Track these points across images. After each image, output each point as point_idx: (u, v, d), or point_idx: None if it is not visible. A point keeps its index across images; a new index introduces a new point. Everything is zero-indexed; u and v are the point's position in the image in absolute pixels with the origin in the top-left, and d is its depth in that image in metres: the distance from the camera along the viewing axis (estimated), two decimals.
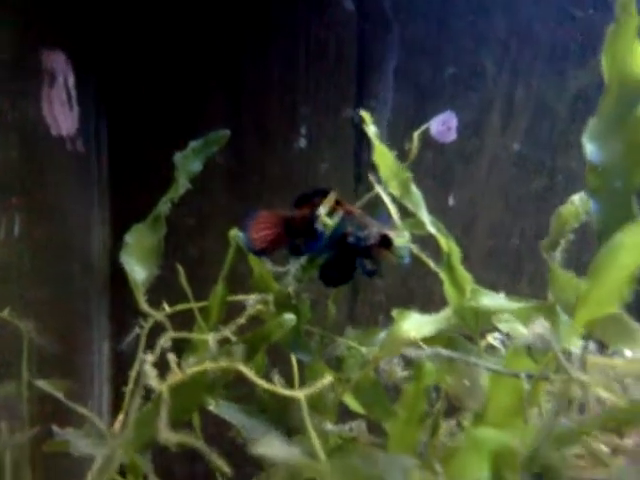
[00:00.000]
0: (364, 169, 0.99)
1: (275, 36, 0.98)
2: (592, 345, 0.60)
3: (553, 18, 0.94)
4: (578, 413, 0.49)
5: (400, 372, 0.68)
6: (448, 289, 0.59)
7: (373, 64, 0.97)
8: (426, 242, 0.64)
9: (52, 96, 0.84)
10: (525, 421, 0.47)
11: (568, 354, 0.57)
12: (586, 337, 0.58)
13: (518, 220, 1.00)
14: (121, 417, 0.77)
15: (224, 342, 0.64)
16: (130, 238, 0.75)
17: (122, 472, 0.71)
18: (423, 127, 0.73)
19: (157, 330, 0.70)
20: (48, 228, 0.88)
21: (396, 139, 0.93)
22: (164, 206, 0.75)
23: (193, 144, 0.77)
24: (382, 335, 0.71)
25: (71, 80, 0.89)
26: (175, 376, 0.58)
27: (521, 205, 0.99)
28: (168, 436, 0.55)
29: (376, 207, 0.70)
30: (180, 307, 0.76)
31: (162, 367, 0.60)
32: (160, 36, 1.00)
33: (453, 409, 0.65)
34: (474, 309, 0.58)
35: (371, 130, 0.56)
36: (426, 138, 0.75)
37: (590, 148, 0.48)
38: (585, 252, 0.65)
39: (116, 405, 1.05)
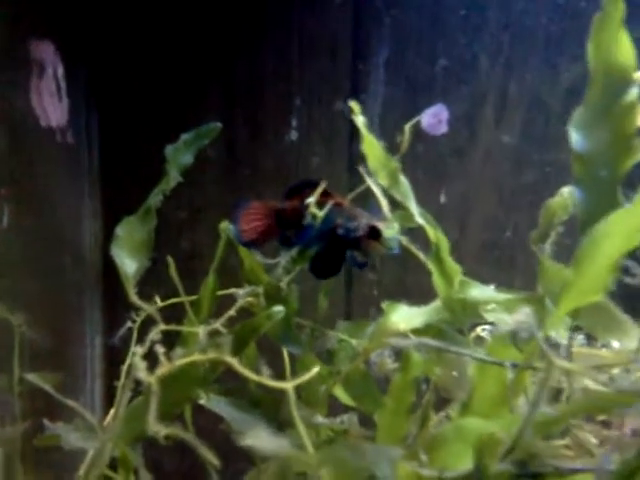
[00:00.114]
0: (357, 162, 0.99)
1: (268, 29, 0.98)
2: (581, 337, 0.60)
3: (546, 11, 0.94)
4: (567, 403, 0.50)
5: (391, 364, 0.68)
6: (437, 280, 0.59)
7: (365, 57, 0.97)
8: (419, 235, 0.64)
9: (41, 87, 0.83)
10: (510, 410, 0.47)
11: (556, 345, 0.58)
12: (575, 329, 0.58)
13: (512, 214, 1.00)
14: (113, 411, 0.77)
15: (215, 335, 0.64)
16: (121, 231, 0.75)
17: (113, 466, 0.71)
18: (414, 120, 0.73)
19: (150, 324, 0.70)
20: (38, 220, 0.87)
21: (387, 132, 0.93)
22: (155, 198, 0.75)
23: (184, 136, 0.77)
24: (372, 327, 0.71)
25: (60, 71, 0.88)
26: (164, 368, 0.58)
27: (515, 199, 0.99)
28: (158, 429, 0.55)
29: (368, 199, 0.70)
30: (171, 300, 0.76)
31: (154, 360, 0.60)
32: (152, 27, 0.99)
33: (445, 401, 0.65)
34: (462, 300, 0.58)
35: (360, 120, 0.56)
36: (419, 131, 0.75)
37: (576, 137, 0.47)
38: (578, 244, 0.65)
39: (109, 399, 1.05)
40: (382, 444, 0.59)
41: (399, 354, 0.64)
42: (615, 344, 0.58)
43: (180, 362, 0.58)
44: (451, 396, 0.60)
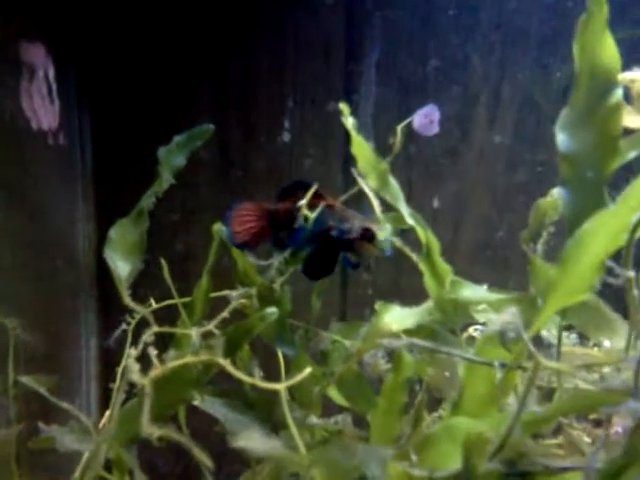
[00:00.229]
0: (352, 163, 0.99)
1: (261, 30, 0.98)
2: (574, 337, 0.60)
3: (538, 11, 0.94)
4: None
5: (384, 365, 0.68)
6: (428, 281, 0.59)
7: (358, 58, 0.97)
8: (412, 236, 0.64)
9: (32, 90, 0.83)
10: (500, 409, 0.48)
11: (549, 345, 0.58)
12: (567, 328, 0.58)
13: (505, 214, 1.00)
14: (108, 413, 0.77)
15: (209, 336, 0.64)
16: (114, 233, 0.75)
17: (108, 467, 0.71)
18: (406, 121, 0.73)
19: (145, 325, 0.70)
20: (31, 223, 0.87)
21: (380, 133, 0.93)
22: (147, 200, 0.75)
23: (177, 138, 0.77)
24: (365, 328, 0.71)
25: (51, 73, 0.88)
26: (157, 370, 0.58)
27: (508, 199, 1.00)
28: (151, 431, 0.55)
29: (362, 201, 0.70)
30: (165, 302, 0.77)
31: (149, 362, 0.60)
32: (144, 29, 0.99)
33: (439, 401, 0.66)
34: (454, 301, 0.59)
35: (349, 122, 0.56)
36: (411, 132, 0.75)
37: (562, 138, 0.48)
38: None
39: (104, 401, 1.05)
40: (375, 444, 0.59)
41: (392, 355, 0.64)
42: (607, 343, 0.58)
43: (173, 364, 0.58)
44: (443, 396, 0.60)
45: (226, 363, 0.55)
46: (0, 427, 0.79)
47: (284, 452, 0.52)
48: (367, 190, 0.64)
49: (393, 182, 0.59)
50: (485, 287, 0.64)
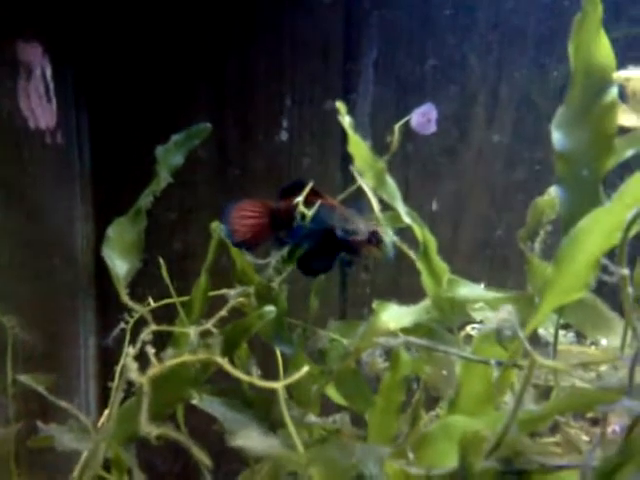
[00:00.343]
0: (350, 162, 0.99)
1: (259, 29, 0.98)
2: (572, 335, 0.60)
3: (536, 11, 0.94)
4: None
5: (381, 363, 0.68)
6: (426, 279, 0.59)
7: (356, 57, 0.98)
8: (410, 235, 0.64)
9: (29, 89, 0.83)
10: (496, 408, 0.48)
11: (545, 344, 0.58)
12: (564, 327, 0.58)
13: (504, 213, 1.00)
14: (107, 412, 0.77)
15: (207, 335, 0.64)
16: (112, 232, 0.75)
17: (107, 466, 0.71)
18: (404, 120, 0.74)
19: (143, 325, 0.70)
20: (29, 222, 0.87)
21: (378, 132, 0.93)
22: (145, 199, 0.76)
23: (175, 137, 0.77)
24: (363, 327, 0.71)
25: (49, 72, 0.88)
26: (154, 369, 0.58)
27: (506, 197, 1.00)
28: (150, 429, 0.55)
29: (360, 199, 0.70)
30: (163, 301, 0.77)
31: (147, 361, 0.60)
32: (142, 28, 0.99)
33: (436, 400, 0.66)
34: (451, 299, 0.59)
35: (345, 121, 0.56)
36: (409, 131, 0.75)
37: (557, 137, 0.48)
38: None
39: (103, 400, 1.05)
40: (373, 443, 0.59)
41: (390, 353, 0.64)
42: (604, 341, 0.59)
43: (171, 363, 0.58)
44: (441, 394, 0.61)
45: (224, 362, 0.55)
46: None
47: (282, 451, 0.52)
48: (366, 189, 0.64)
49: (390, 181, 0.59)
50: (482, 285, 0.64)
